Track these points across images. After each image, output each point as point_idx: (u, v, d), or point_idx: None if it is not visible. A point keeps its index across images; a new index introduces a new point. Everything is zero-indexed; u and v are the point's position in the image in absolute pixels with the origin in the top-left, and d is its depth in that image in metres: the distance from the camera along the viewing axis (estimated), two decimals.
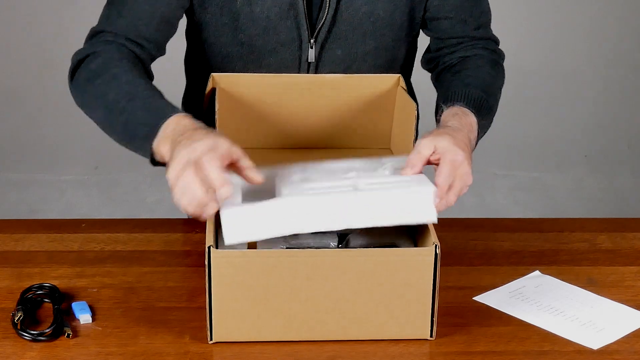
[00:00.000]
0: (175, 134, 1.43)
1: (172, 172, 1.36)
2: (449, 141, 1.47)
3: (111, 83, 1.56)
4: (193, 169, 1.34)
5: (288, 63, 1.77)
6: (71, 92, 1.64)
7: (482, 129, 1.65)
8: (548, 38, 4.04)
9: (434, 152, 1.47)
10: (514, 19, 3.94)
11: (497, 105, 1.75)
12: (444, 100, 1.66)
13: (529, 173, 4.08)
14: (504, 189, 4.01)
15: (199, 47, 1.82)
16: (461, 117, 1.58)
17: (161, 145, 1.45)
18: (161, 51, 1.71)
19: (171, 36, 1.73)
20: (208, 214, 1.36)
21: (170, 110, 1.48)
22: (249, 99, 1.69)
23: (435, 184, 1.44)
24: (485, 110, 1.66)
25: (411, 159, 1.47)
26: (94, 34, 1.67)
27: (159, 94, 1.54)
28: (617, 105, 4.11)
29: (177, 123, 1.45)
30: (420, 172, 1.47)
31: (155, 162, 1.49)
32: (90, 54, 1.62)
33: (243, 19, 1.73)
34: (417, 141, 1.49)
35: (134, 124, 1.50)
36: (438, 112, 1.64)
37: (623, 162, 4.11)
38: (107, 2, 1.69)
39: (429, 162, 1.49)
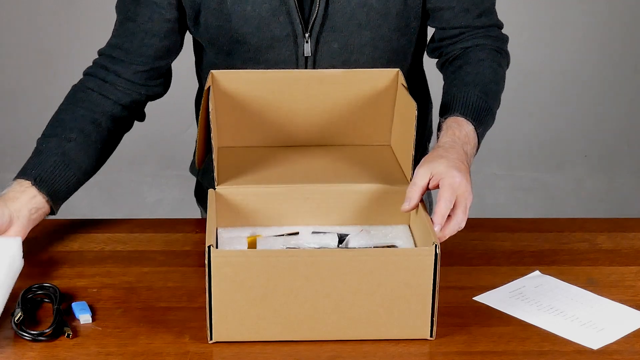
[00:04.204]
0: None
1: None
2: (444, 164, 1.54)
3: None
4: None
5: (285, 58, 1.77)
6: None
7: (483, 131, 1.69)
8: (548, 38, 4.04)
9: (431, 179, 1.53)
10: (513, 18, 3.93)
11: (499, 100, 1.77)
12: (442, 110, 1.70)
13: (529, 173, 4.07)
14: (504, 189, 4.01)
15: (202, 49, 1.84)
16: (455, 131, 1.63)
17: None
18: (156, 62, 1.79)
19: (166, 47, 1.79)
20: None
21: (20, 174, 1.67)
22: (248, 96, 1.69)
23: (435, 210, 1.49)
24: (484, 113, 1.69)
25: (408, 192, 1.53)
26: (102, 51, 1.82)
27: (41, 151, 1.71)
28: (617, 105, 4.10)
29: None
30: (417, 205, 1.53)
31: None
32: (86, 74, 1.82)
33: (235, 19, 1.74)
34: (415, 172, 1.55)
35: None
36: (438, 125, 1.69)
37: (623, 162, 4.10)
38: (118, 18, 1.81)
39: (429, 189, 1.54)
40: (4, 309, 1.49)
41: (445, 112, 1.69)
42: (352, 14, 1.75)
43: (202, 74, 1.92)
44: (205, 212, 2.00)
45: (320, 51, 1.77)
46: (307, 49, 1.76)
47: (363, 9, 1.75)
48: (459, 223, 1.50)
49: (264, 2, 1.72)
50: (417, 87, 1.91)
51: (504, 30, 1.85)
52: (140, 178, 3.89)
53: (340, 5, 1.74)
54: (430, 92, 2.01)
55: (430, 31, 1.89)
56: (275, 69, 1.75)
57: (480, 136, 1.67)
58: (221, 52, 1.79)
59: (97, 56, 1.82)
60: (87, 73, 1.80)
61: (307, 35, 1.75)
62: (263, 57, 1.77)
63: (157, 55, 1.79)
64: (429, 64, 1.95)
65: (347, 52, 1.78)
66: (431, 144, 1.80)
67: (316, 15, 1.74)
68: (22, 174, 1.66)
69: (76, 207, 3.83)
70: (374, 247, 1.56)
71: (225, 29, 1.75)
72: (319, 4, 1.73)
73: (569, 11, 4.00)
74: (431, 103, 2.00)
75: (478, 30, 1.81)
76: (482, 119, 1.68)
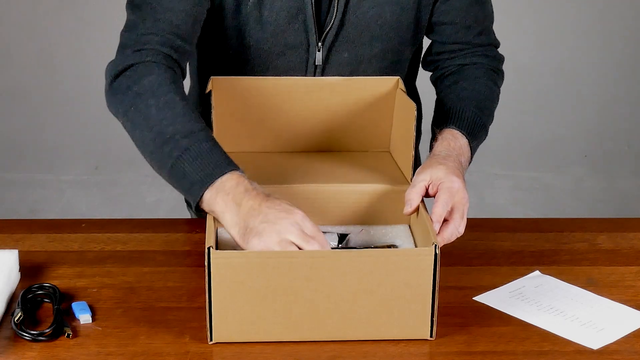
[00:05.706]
0: (237, 195, 1.45)
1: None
2: (443, 170, 1.55)
3: (164, 110, 1.52)
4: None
5: (295, 66, 1.76)
6: (109, 99, 1.59)
7: (476, 145, 1.71)
8: (548, 38, 4.04)
9: (430, 184, 1.54)
10: (514, 18, 3.94)
11: (493, 117, 1.79)
12: (437, 122, 1.71)
13: (529, 173, 4.08)
14: (504, 189, 4.01)
15: (205, 49, 1.82)
16: (450, 142, 1.65)
17: (218, 197, 1.46)
18: (193, 52, 1.68)
19: (197, 37, 1.69)
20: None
21: (227, 164, 1.48)
22: (249, 102, 1.69)
23: (433, 211, 1.51)
24: (478, 128, 1.71)
25: (408, 194, 1.55)
26: (129, 41, 1.61)
27: (213, 139, 1.51)
28: (617, 105, 4.11)
29: (237, 182, 1.46)
30: (418, 207, 1.54)
31: (197, 207, 1.49)
32: (133, 64, 1.58)
33: (252, 23, 1.72)
34: (414, 176, 1.57)
35: (184, 166, 1.49)
36: (433, 135, 1.69)
37: (623, 162, 4.11)
38: (132, 6, 1.64)
39: (427, 195, 1.55)
40: (4, 311, 1.49)
41: (440, 123, 1.70)
42: (366, 26, 1.75)
43: (199, 74, 1.90)
44: (195, 214, 2.00)
45: (330, 60, 1.77)
46: (319, 57, 1.76)
47: (377, 22, 1.75)
48: (456, 227, 1.51)
49: (282, 9, 1.71)
50: (410, 93, 1.91)
51: (501, 45, 1.88)
52: (139, 178, 3.89)
53: (356, 17, 1.74)
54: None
55: (426, 42, 1.89)
56: (283, 76, 1.75)
57: (473, 150, 1.69)
58: (226, 56, 1.78)
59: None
60: (146, 63, 1.58)
61: (319, 44, 1.75)
62: (272, 64, 1.76)
63: (194, 44, 1.68)
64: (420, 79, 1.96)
65: (356, 62, 1.78)
66: (420, 148, 1.81)
67: (332, 25, 1.73)
68: (233, 167, 1.49)
69: (76, 207, 3.85)
70: (374, 247, 1.56)
71: (240, 31, 1.74)
72: (335, 14, 1.73)
73: (569, 11, 4.01)
74: (421, 108, 2.00)
75: (477, 49, 1.83)
76: (476, 133, 1.71)
